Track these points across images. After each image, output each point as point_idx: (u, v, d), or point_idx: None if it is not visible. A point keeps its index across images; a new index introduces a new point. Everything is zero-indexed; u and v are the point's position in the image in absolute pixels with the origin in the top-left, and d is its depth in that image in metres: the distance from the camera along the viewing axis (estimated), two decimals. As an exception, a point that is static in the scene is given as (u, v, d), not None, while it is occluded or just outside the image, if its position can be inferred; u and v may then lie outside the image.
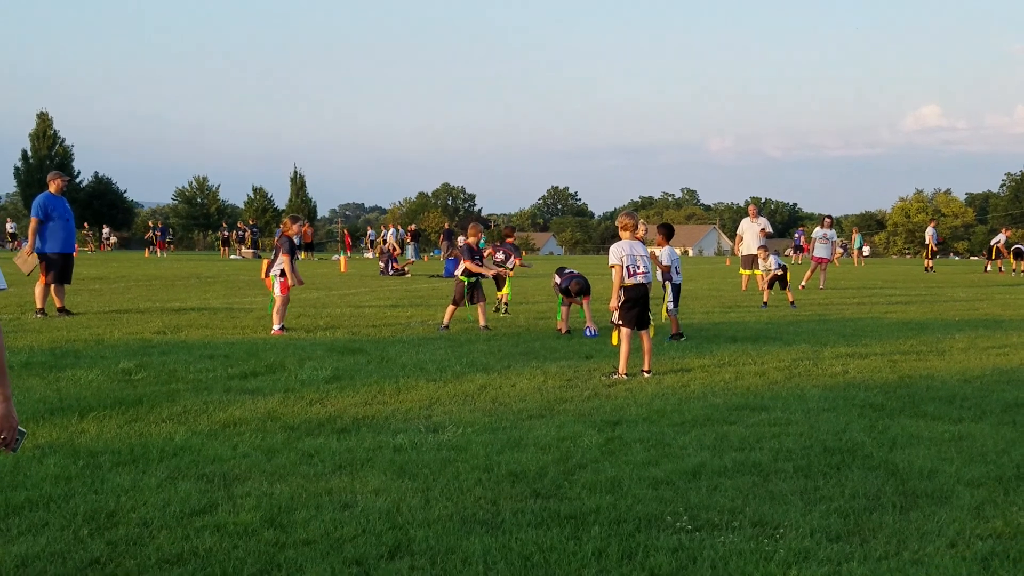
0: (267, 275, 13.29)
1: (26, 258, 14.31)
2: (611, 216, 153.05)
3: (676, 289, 12.89)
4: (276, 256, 13.25)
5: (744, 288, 22.84)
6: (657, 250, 12.86)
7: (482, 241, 14.57)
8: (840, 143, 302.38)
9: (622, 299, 9.52)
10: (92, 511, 4.84)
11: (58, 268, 14.38)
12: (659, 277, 12.65)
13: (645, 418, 7.34)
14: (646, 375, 9.36)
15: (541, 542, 4.49)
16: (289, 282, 13.00)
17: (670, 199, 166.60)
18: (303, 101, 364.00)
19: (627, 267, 9.56)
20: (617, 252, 9.67)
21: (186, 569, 4.11)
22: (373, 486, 5.40)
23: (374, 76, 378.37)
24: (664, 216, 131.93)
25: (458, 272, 13.84)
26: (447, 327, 13.38)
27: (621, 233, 9.87)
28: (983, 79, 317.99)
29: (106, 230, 69.94)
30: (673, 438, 6.65)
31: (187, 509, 4.91)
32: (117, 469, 5.67)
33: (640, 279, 9.57)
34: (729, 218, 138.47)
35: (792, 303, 18.26)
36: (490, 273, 14.66)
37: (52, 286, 14.42)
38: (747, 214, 23.35)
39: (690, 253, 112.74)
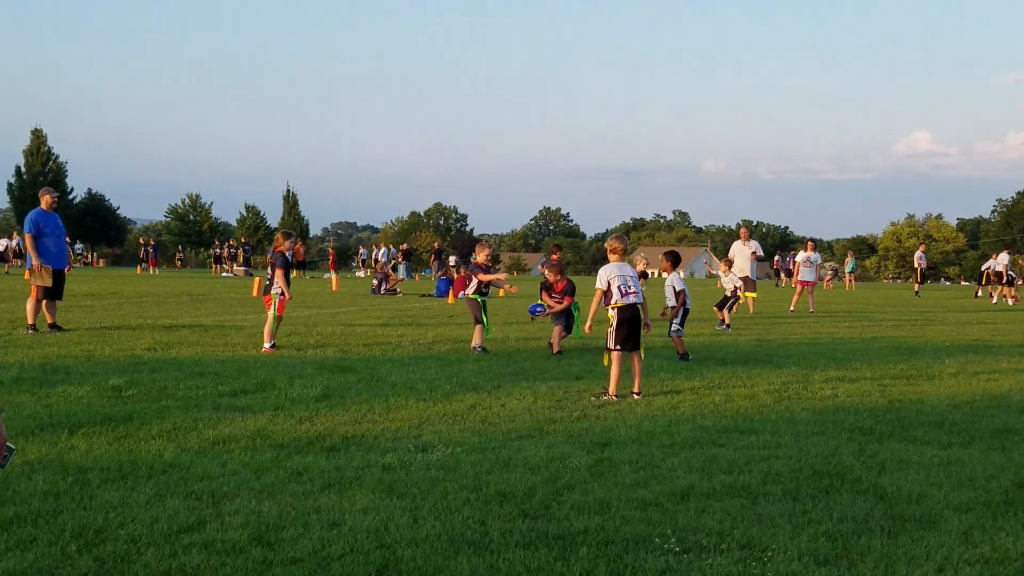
0: (267, 293, 13.25)
1: (40, 272, 14.27)
2: (602, 237, 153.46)
3: (685, 313, 13.35)
4: (273, 273, 13.22)
5: (734, 311, 22.90)
6: (666, 275, 13.39)
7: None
8: (832, 167, 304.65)
9: (614, 321, 9.55)
10: (80, 527, 4.83)
11: (49, 284, 14.35)
12: (671, 302, 13.39)
13: (634, 439, 7.35)
14: (636, 397, 9.38)
15: (529, 563, 4.49)
16: (286, 297, 13.01)
17: (662, 221, 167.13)
18: (296, 120, 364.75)
19: (619, 287, 9.58)
20: (605, 275, 9.70)
21: (173, 586, 4.10)
22: (361, 505, 5.39)
23: (367, 95, 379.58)
24: (656, 238, 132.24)
25: (469, 291, 13.79)
26: (483, 348, 13.22)
27: (611, 256, 9.90)
28: (974, 107, 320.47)
29: (79, 246, 68.19)
30: (662, 460, 6.66)
31: (175, 526, 4.90)
32: (106, 486, 5.66)
33: (632, 299, 9.58)
34: (720, 240, 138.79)
35: (725, 324, 18.15)
36: (503, 277, 15.11)
37: (43, 302, 14.38)
38: (738, 237, 23.45)
39: (681, 275, 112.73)
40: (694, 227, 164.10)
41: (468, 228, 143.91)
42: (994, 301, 33.50)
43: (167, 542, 4.66)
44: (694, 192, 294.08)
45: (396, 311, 22.20)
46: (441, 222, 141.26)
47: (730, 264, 19.92)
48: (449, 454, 6.71)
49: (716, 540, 4.88)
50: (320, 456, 6.57)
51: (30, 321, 14.27)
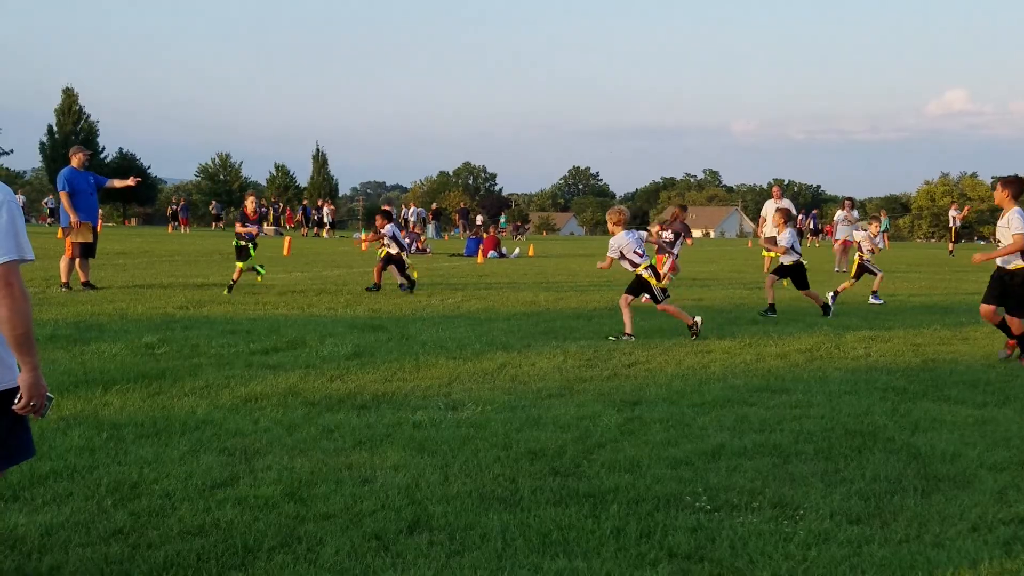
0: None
1: (80, 229, 14.37)
2: (632, 197, 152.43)
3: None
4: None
5: (767, 270, 22.73)
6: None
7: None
8: (865, 127, 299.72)
9: (652, 278, 10.70)
10: (115, 482, 4.89)
11: (90, 240, 14.47)
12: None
13: (665, 398, 7.33)
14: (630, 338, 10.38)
15: (560, 520, 4.50)
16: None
17: (692, 180, 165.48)
18: (326, 79, 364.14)
19: (635, 251, 10.74)
20: (618, 245, 10.77)
21: (208, 540, 4.14)
22: (392, 462, 5.42)
23: (397, 54, 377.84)
24: (686, 197, 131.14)
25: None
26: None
27: (618, 227, 10.84)
28: (1010, 66, 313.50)
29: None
30: (693, 419, 6.64)
31: (209, 481, 4.95)
32: (140, 441, 5.72)
33: (645, 260, 10.83)
34: (752, 199, 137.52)
35: (827, 307, 13.52)
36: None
37: (77, 260, 14.52)
38: (771, 195, 23.20)
39: (711, 235, 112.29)
40: (725, 186, 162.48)
41: (497, 188, 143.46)
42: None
43: (200, 497, 4.71)
44: (725, 152, 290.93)
45: (425, 271, 22.22)
46: (470, 182, 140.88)
47: (786, 219, 16.94)
48: (479, 412, 6.72)
49: (747, 499, 4.86)
50: (351, 413, 6.61)
51: (64, 279, 14.42)
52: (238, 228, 15.77)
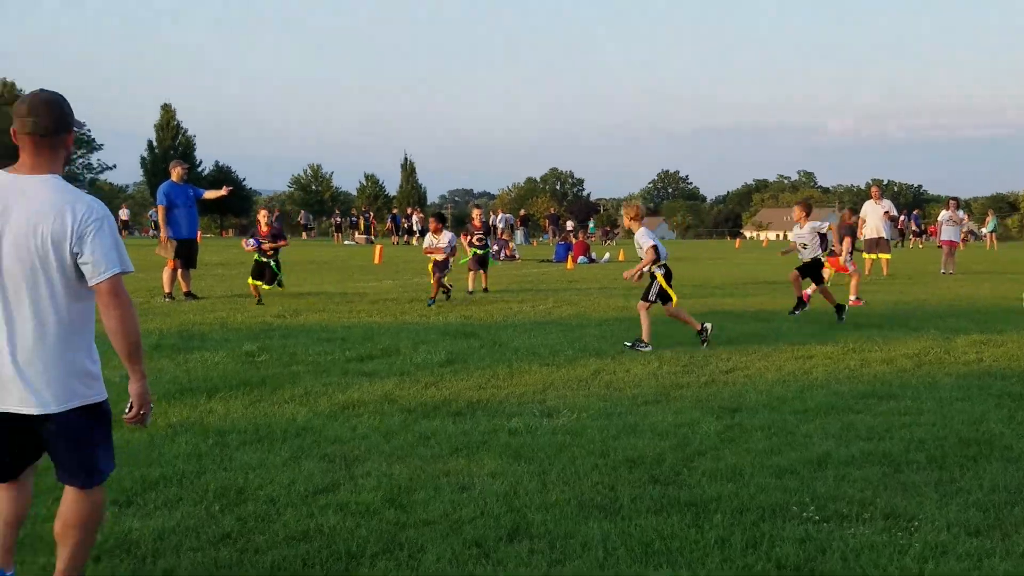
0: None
1: (166, 245, 14.83)
2: (723, 200, 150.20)
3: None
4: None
5: (868, 272, 22.11)
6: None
7: None
8: (969, 123, 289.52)
9: (663, 278, 10.34)
10: (222, 488, 4.99)
11: (183, 253, 14.89)
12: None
13: (766, 405, 7.16)
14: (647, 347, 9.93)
15: (661, 529, 4.42)
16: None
17: (786, 181, 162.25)
18: (414, 87, 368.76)
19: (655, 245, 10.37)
20: (651, 236, 10.47)
21: (312, 546, 4.19)
22: (490, 469, 5.40)
23: (484, 61, 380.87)
24: (780, 199, 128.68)
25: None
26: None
27: (637, 223, 10.62)
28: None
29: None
30: (796, 426, 6.46)
31: (311, 488, 5.01)
32: (244, 448, 5.83)
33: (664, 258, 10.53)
34: (849, 201, 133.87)
35: (838, 314, 12.55)
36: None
37: (179, 271, 14.95)
38: (869, 196, 22.56)
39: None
40: (820, 187, 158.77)
41: (585, 193, 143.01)
42: None
43: (304, 503, 4.77)
44: (820, 152, 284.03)
45: (515, 277, 22.26)
46: (558, 187, 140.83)
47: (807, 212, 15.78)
48: (575, 419, 6.67)
49: (858, 509, 4.70)
50: (447, 420, 6.62)
51: (167, 289, 14.85)
52: (252, 244, 14.71)
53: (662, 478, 5.26)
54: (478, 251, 17.38)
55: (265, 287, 14.64)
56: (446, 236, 15.27)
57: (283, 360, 9.09)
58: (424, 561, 4.05)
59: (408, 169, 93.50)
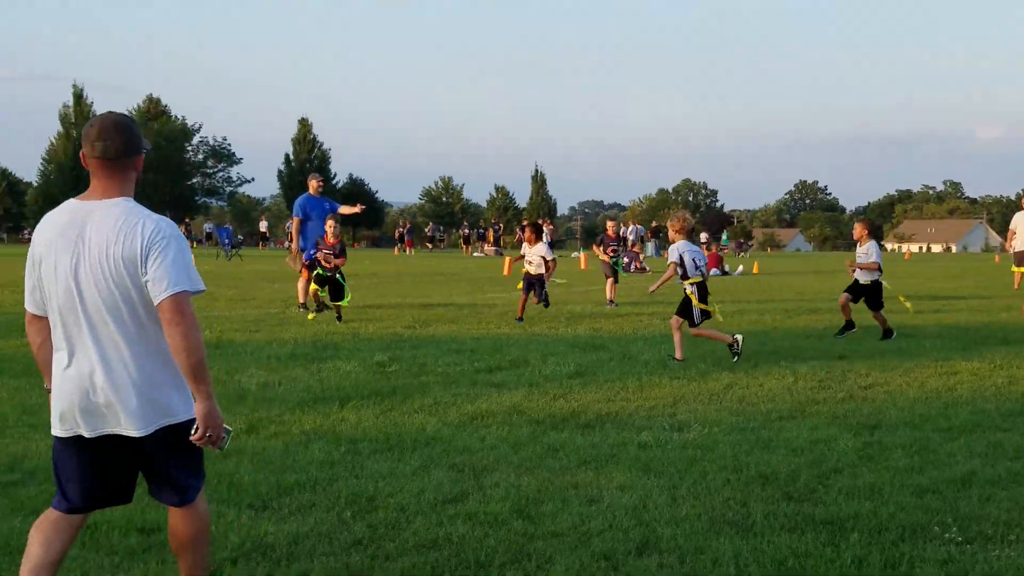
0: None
1: (295, 256, 15.31)
2: (865, 211, 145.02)
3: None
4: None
5: (1016, 287, 21.00)
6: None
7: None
8: None
9: (695, 296, 9.99)
10: (354, 495, 5.10)
11: (298, 270, 15.29)
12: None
13: (906, 422, 6.87)
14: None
15: (796, 547, 4.29)
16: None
17: (931, 192, 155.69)
18: (544, 98, 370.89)
19: (692, 260, 10.06)
20: (678, 251, 10.09)
21: (442, 555, 4.24)
22: (619, 482, 5.36)
23: (614, 72, 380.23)
24: (924, 211, 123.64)
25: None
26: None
27: (679, 235, 10.20)
28: None
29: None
30: (939, 444, 6.18)
31: (440, 497, 5.07)
32: (375, 456, 5.95)
33: (699, 274, 10.16)
34: (998, 212, 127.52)
35: (889, 331, 11.98)
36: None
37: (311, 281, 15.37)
38: (1020, 207, 21.45)
39: (953, 250, 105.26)
40: (967, 198, 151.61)
41: (718, 204, 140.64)
42: None
43: (433, 511, 4.83)
44: (968, 161, 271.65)
45: (645, 289, 22.06)
46: (690, 199, 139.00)
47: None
48: (706, 433, 6.55)
49: (1003, 531, 4.46)
50: (575, 432, 6.60)
51: (300, 300, 15.31)
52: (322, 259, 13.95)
53: (796, 495, 5.11)
54: (612, 262, 17.92)
55: (333, 303, 13.83)
56: (542, 247, 14.45)
57: (413, 370, 9.25)
58: (552, 572, 4.04)
59: (539, 181, 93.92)
